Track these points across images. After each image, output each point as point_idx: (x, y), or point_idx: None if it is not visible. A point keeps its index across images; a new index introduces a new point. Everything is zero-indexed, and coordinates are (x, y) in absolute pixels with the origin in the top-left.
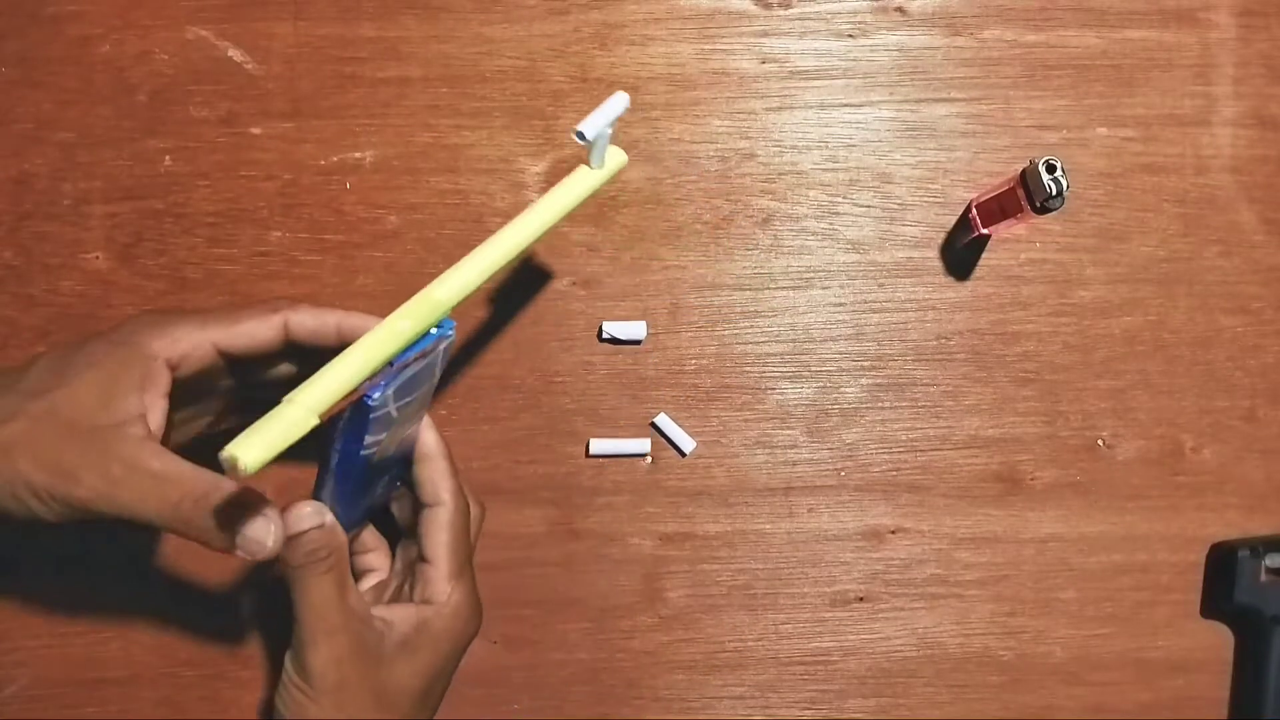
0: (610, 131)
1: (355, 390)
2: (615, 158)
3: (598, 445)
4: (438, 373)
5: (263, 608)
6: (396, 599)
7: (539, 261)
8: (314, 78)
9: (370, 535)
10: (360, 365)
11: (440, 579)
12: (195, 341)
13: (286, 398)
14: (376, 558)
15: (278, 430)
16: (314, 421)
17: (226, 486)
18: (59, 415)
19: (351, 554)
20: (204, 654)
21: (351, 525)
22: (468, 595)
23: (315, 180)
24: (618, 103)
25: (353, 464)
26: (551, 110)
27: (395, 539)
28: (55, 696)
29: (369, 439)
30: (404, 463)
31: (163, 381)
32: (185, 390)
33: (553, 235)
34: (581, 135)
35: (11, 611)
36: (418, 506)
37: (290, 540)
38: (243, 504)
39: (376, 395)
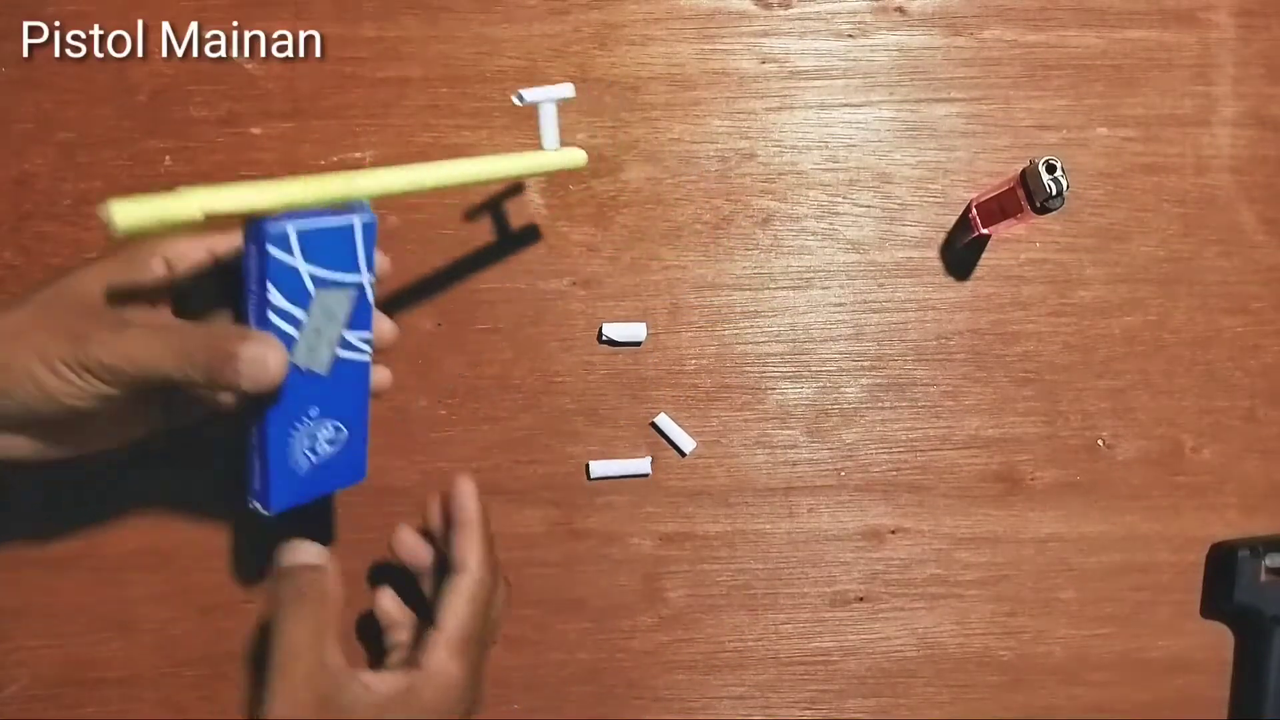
0: (554, 110)
1: (252, 217)
2: (572, 155)
3: (598, 467)
4: (364, 268)
5: (263, 608)
6: (400, 666)
7: (538, 261)
8: (314, 78)
9: (399, 612)
10: (261, 194)
11: (439, 646)
12: (191, 244)
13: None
14: (404, 632)
15: (160, 204)
16: (196, 213)
17: (232, 330)
18: (66, 297)
19: (382, 629)
20: (204, 654)
21: (278, 449)
22: (466, 673)
23: None
24: (561, 89)
25: (266, 326)
26: None
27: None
28: (55, 696)
29: (274, 294)
30: (351, 411)
31: (160, 272)
32: None
33: (553, 235)
34: (521, 97)
35: (11, 611)
36: (447, 574)
37: (282, 572)
38: (245, 336)
39: (274, 224)
